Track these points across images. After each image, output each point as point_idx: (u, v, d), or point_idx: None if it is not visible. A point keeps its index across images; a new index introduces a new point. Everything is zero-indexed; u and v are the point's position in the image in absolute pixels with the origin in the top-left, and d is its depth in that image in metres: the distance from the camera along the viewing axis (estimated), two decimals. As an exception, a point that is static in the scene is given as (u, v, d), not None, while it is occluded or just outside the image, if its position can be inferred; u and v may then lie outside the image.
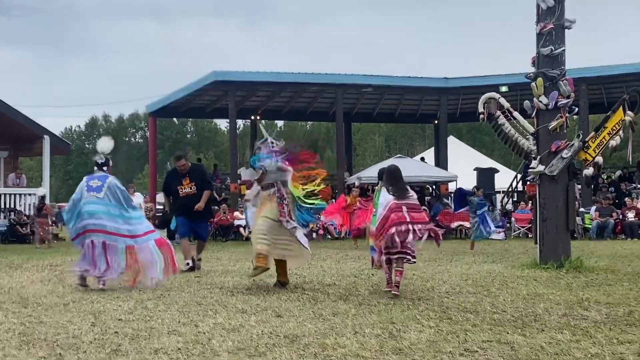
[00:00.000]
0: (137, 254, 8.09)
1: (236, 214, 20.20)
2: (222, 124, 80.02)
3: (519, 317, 5.92)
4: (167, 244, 8.43)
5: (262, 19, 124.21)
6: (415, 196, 7.68)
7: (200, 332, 5.37)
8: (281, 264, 8.28)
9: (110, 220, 8.05)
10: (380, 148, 72.39)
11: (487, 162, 33.27)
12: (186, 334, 5.27)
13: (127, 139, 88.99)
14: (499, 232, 19.68)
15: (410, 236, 7.17)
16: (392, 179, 7.60)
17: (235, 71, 23.00)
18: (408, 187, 7.70)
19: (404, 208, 7.30)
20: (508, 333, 5.24)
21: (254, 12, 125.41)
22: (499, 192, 25.09)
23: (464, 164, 28.72)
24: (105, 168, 8.47)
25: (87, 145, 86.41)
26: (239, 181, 23.31)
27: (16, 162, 23.29)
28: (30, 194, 20.46)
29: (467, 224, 20.08)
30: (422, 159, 27.47)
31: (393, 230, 7.15)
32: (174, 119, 72.37)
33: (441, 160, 24.14)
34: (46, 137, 20.53)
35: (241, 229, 19.81)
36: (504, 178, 26.96)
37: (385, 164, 25.54)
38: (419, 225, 7.24)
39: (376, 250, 7.73)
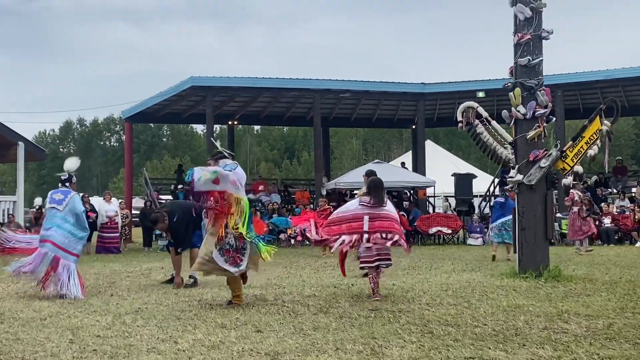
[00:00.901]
0: (60, 266, 8.54)
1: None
2: (199, 127, 79.75)
3: (500, 331, 5.92)
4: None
5: (240, 22, 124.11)
6: (390, 207, 8.23)
7: (180, 349, 5.31)
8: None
9: (61, 235, 8.70)
10: (357, 151, 72.55)
11: (465, 166, 33.47)
12: (166, 352, 5.21)
13: (102, 142, 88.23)
14: (477, 238, 19.80)
15: (364, 245, 7.96)
16: (374, 190, 8.09)
17: (212, 76, 22.83)
18: (386, 199, 8.21)
19: (366, 218, 7.94)
20: (490, 349, 5.24)
21: (232, 15, 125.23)
22: (476, 196, 25.21)
23: (441, 168, 28.88)
24: (67, 184, 9.14)
25: (61, 150, 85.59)
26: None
27: None
28: (4, 201, 20.21)
29: (445, 230, 20.22)
30: (403, 164, 27.52)
31: (345, 238, 7.96)
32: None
33: (419, 165, 24.18)
34: (21, 144, 20.25)
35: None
36: (482, 183, 27.12)
37: (364, 168, 25.67)
38: (376, 235, 7.89)
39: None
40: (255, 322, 6.46)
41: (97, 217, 17.72)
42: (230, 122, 28.99)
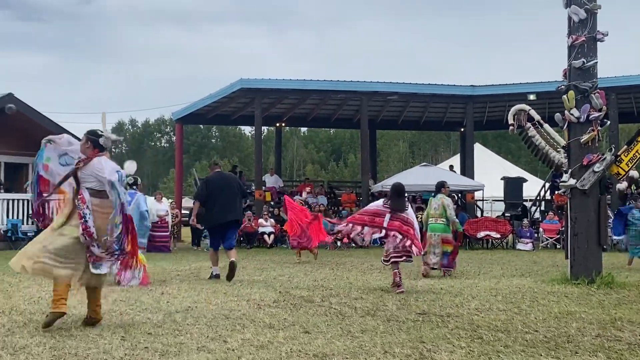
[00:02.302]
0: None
1: (260, 220, 20.21)
2: (247, 129, 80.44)
3: (551, 338, 5.82)
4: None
5: (288, 25, 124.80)
6: (410, 212, 9.25)
7: (229, 348, 5.36)
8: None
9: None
10: (404, 154, 72.20)
11: (514, 170, 32.99)
12: (215, 351, 5.26)
13: (153, 143, 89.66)
14: (527, 243, 19.50)
15: (376, 236, 9.17)
16: (396, 196, 9.23)
17: (261, 79, 23.01)
18: (407, 204, 9.33)
19: (388, 215, 9.01)
20: (541, 355, 5.16)
21: (280, 18, 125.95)
22: (526, 201, 24.84)
23: (490, 171, 28.52)
24: (135, 187, 10.34)
25: (113, 150, 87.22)
26: (263, 188, 23.34)
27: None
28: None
29: (493, 234, 19.96)
30: (451, 167, 27.26)
31: (367, 228, 9.06)
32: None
33: (467, 169, 23.94)
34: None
35: (265, 236, 19.84)
36: (532, 187, 26.69)
37: (411, 171, 25.44)
38: (393, 233, 8.94)
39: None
40: (303, 323, 6.48)
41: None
42: (277, 124, 29.16)
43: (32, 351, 5.17)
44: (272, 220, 20.49)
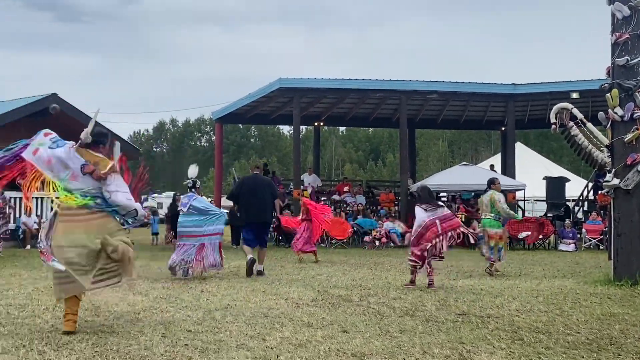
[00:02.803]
0: (205, 249, 10.49)
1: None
2: (285, 128, 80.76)
3: (593, 340, 5.72)
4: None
5: (327, 24, 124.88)
6: (446, 208, 9.75)
7: (268, 346, 5.38)
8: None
9: (193, 227, 10.51)
10: (444, 153, 71.71)
11: (556, 170, 32.51)
12: (254, 349, 5.29)
13: (193, 142, 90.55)
14: (570, 244, 19.20)
15: (444, 243, 9.38)
16: (427, 195, 9.78)
17: (300, 78, 23.07)
18: (440, 202, 9.93)
19: (438, 222, 9.37)
20: (583, 357, 5.08)
21: (319, 18, 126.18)
22: (569, 201, 24.45)
23: (532, 171, 28.15)
24: (193, 190, 10.98)
25: (154, 149, 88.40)
26: (302, 187, 23.40)
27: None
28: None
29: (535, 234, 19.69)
30: (492, 166, 26.96)
31: (429, 244, 9.30)
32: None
33: (508, 168, 23.66)
34: (117, 143, 20.96)
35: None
36: (574, 187, 26.26)
37: (450, 171, 25.25)
38: (450, 232, 9.39)
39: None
40: (341, 323, 6.48)
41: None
42: (316, 123, 29.22)
43: (74, 347, 5.26)
44: (310, 219, 20.49)
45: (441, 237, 9.35)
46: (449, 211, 9.84)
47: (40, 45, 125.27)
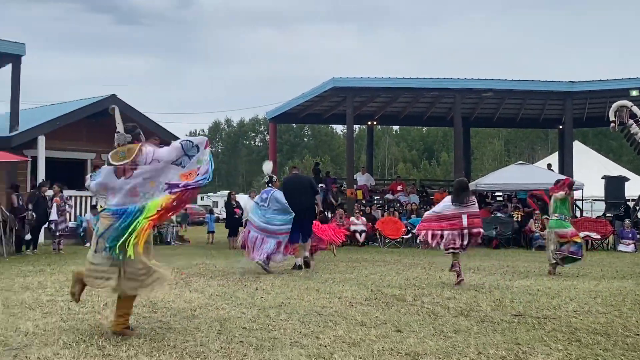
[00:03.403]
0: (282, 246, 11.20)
1: (352, 219, 20.27)
2: (339, 127, 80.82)
3: (655, 343, 5.58)
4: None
5: (380, 23, 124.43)
6: (476, 205, 9.79)
7: (322, 345, 5.41)
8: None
9: (268, 223, 11.10)
10: (499, 152, 70.70)
11: (615, 169, 31.71)
12: (308, 347, 5.33)
13: (247, 142, 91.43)
14: (629, 244, 18.72)
15: (464, 240, 9.45)
16: (461, 190, 9.68)
17: (353, 77, 23.05)
18: (471, 198, 9.79)
19: (464, 217, 9.45)
20: (644, 361, 4.96)
21: (372, 17, 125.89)
22: (628, 200, 23.81)
23: (590, 170, 27.51)
24: (270, 184, 11.52)
25: (210, 149, 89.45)
26: (355, 186, 23.40)
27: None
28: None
29: (593, 235, 19.26)
30: (549, 165, 26.47)
31: (448, 233, 9.50)
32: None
33: (566, 167, 23.17)
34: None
35: (357, 234, 19.87)
36: (634, 186, 25.55)
37: (506, 170, 24.87)
38: (475, 229, 9.48)
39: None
40: (395, 322, 6.47)
41: (242, 213, 18.40)
42: (369, 123, 29.17)
43: (133, 343, 5.39)
44: (363, 218, 20.50)
45: (463, 232, 9.49)
46: (477, 210, 9.87)
47: (100, 47, 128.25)
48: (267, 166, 11.89)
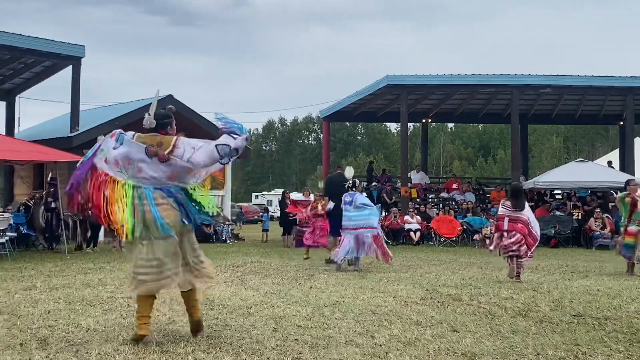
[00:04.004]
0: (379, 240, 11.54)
1: (406, 217, 20.15)
2: (393, 125, 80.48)
3: None
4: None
5: (435, 20, 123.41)
6: (527, 210, 10.08)
7: (377, 344, 5.40)
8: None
9: (360, 220, 11.41)
10: (558, 149, 69.31)
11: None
12: (363, 345, 5.32)
13: (301, 141, 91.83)
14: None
15: (505, 241, 9.84)
16: (513, 195, 10.16)
17: (407, 75, 22.90)
18: (524, 203, 10.10)
19: (506, 219, 9.89)
20: None
21: (426, 13, 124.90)
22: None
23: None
24: (353, 189, 11.97)
25: (264, 148, 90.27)
26: (409, 184, 23.25)
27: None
28: (215, 196, 21.62)
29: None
30: (609, 162, 25.80)
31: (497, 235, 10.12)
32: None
33: (627, 165, 22.56)
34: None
35: (411, 233, 19.74)
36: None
37: (564, 167, 24.32)
38: (514, 234, 9.80)
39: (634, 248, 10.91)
40: (451, 322, 6.41)
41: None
42: (424, 120, 28.95)
43: (190, 340, 5.46)
44: (418, 217, 20.36)
45: (502, 234, 9.92)
46: (526, 216, 10.02)
47: (157, 49, 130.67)
48: (350, 171, 12.42)
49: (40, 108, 78.78)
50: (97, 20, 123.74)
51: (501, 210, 10.18)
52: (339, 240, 12.31)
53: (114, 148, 5.36)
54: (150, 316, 5.41)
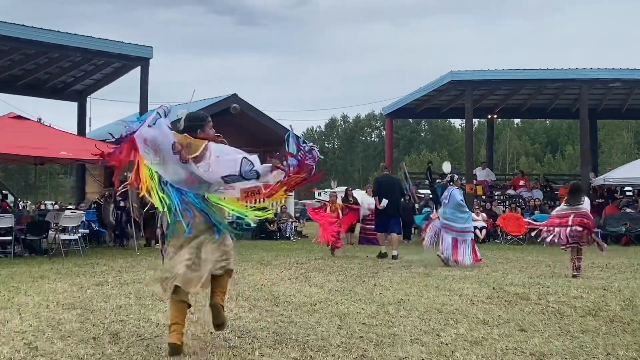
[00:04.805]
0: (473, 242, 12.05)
1: (472, 215, 19.85)
2: (457, 121, 79.52)
3: None
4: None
5: (499, 14, 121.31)
6: (586, 205, 10.45)
7: (443, 342, 5.36)
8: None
9: (452, 221, 11.86)
10: (628, 145, 67.19)
11: None
12: (429, 344, 5.29)
13: (363, 138, 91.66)
14: None
15: (568, 231, 10.22)
16: (573, 192, 10.56)
17: (472, 70, 22.59)
18: (583, 199, 10.51)
19: (572, 215, 10.27)
20: None
21: (491, 8, 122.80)
22: None
23: None
24: (451, 182, 12.37)
25: (326, 145, 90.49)
26: (474, 181, 22.94)
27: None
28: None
29: None
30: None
31: (557, 230, 10.33)
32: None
33: (703, 160, 21.76)
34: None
35: (477, 231, 19.44)
36: None
37: (636, 164, 23.61)
38: (575, 227, 10.19)
39: None
40: (519, 321, 6.31)
41: (359, 209, 18.46)
42: (489, 116, 28.52)
43: (257, 335, 5.55)
44: (484, 214, 20.06)
45: (567, 227, 10.27)
46: (586, 210, 10.42)
47: (221, 48, 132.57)
48: (447, 166, 13.49)
49: (110, 108, 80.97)
50: (164, 22, 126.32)
51: (564, 207, 10.59)
52: (386, 236, 13.66)
53: (149, 126, 4.88)
54: (183, 324, 5.03)
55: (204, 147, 5.05)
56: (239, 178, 4.97)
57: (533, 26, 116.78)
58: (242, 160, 4.96)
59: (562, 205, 10.73)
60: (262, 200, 5.38)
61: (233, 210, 5.21)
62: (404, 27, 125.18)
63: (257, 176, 5.00)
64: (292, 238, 20.80)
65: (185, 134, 5.14)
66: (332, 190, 19.69)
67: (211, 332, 5.60)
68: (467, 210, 12.31)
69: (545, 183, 25.42)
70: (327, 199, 16.21)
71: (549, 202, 22.43)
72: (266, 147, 24.02)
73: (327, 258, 13.13)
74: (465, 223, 12.01)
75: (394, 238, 13.59)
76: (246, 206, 5.30)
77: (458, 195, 12.12)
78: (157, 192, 4.90)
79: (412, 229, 19.94)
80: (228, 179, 4.97)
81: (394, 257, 12.90)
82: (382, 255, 13.20)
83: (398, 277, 9.77)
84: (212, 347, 5.12)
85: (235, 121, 20.29)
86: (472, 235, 12.14)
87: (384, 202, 13.34)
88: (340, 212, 14.67)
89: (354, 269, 10.96)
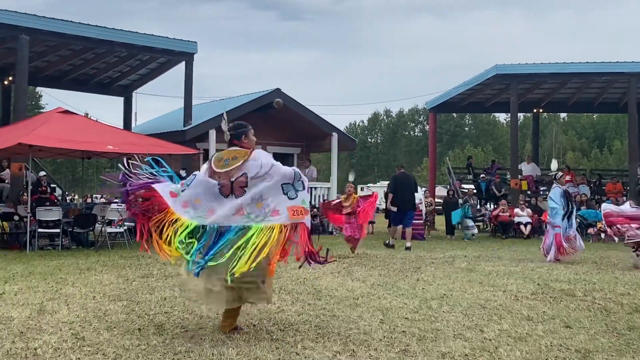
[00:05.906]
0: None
1: (516, 210, 19.64)
2: (501, 116, 78.56)
3: None
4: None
5: (546, 8, 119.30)
6: None
7: (486, 338, 5.32)
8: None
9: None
10: (679, 139, 65.44)
11: None
12: (472, 339, 5.25)
13: (406, 132, 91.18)
14: None
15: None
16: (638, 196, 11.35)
17: (517, 64, 22.29)
18: None
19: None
20: None
21: (538, 1, 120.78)
22: None
23: None
24: (555, 181, 12.72)
25: (369, 140, 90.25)
26: (519, 176, 22.64)
27: (307, 158, 24.99)
28: (320, 187, 21.84)
29: None
30: None
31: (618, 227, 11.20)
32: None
33: None
34: (334, 134, 21.76)
35: (522, 226, 19.22)
36: None
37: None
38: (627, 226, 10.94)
39: None
40: (564, 317, 6.22)
41: (376, 195, 18.37)
42: (535, 110, 28.11)
43: (299, 329, 5.57)
44: (528, 210, 19.80)
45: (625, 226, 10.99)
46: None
47: (265, 43, 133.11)
48: (554, 164, 13.59)
49: (155, 103, 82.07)
50: (209, 17, 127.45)
51: (633, 208, 11.39)
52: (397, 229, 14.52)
53: (182, 191, 5.38)
54: (235, 317, 5.47)
55: (249, 154, 5.43)
56: (297, 185, 5.36)
57: (582, 19, 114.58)
58: (294, 170, 5.43)
59: (627, 206, 11.65)
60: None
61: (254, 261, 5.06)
62: (449, 21, 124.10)
63: (302, 184, 5.40)
64: (334, 233, 20.81)
65: (231, 148, 5.55)
66: (349, 182, 19.54)
67: (254, 325, 5.65)
68: (556, 206, 12.27)
69: (596, 178, 24.94)
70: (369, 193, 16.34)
71: (595, 197, 22.02)
72: (309, 141, 24.18)
73: (369, 252, 13.11)
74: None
75: (408, 231, 14.42)
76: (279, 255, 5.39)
77: (555, 193, 12.30)
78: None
79: (457, 224, 19.77)
80: (285, 188, 5.33)
81: (407, 249, 13.80)
82: (389, 245, 14.09)
83: (441, 272, 9.71)
84: (255, 339, 5.16)
85: (278, 115, 20.40)
86: (558, 230, 12.05)
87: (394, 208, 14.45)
88: (355, 204, 14.13)
89: (396, 263, 10.92)
